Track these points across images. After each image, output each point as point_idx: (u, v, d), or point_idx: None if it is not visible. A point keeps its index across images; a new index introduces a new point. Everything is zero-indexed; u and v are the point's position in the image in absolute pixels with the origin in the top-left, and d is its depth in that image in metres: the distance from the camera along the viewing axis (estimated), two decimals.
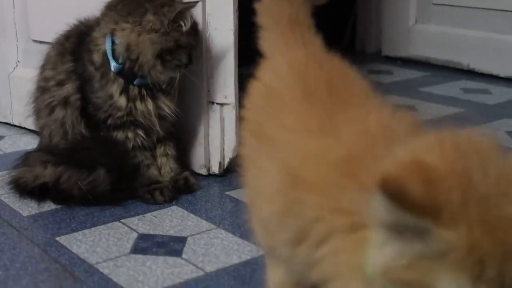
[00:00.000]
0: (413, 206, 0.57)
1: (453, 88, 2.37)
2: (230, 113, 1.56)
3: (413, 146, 0.63)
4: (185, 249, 1.25)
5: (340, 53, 0.91)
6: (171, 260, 1.21)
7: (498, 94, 2.28)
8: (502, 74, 2.43)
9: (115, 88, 1.45)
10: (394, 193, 0.57)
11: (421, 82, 2.45)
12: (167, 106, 1.48)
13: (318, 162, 0.72)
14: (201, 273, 1.16)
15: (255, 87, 0.93)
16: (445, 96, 2.26)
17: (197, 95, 1.57)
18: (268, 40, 0.98)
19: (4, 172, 1.53)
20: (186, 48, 1.43)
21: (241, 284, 1.13)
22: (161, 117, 1.48)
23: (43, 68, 1.57)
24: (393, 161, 0.61)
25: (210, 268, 1.18)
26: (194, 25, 1.46)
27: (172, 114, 1.50)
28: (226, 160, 1.59)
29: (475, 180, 0.59)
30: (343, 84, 0.84)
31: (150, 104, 1.46)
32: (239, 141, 0.93)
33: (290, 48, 0.93)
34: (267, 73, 0.93)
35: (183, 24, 1.42)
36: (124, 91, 1.45)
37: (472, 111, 2.11)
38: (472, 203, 0.58)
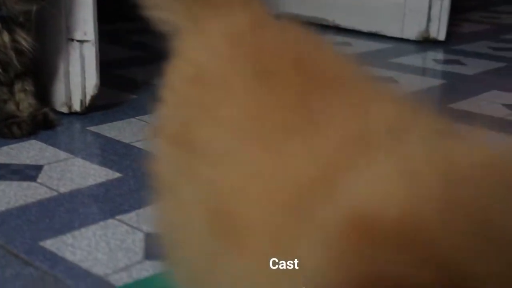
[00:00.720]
0: None
1: None
2: (90, 51, 1.55)
3: (368, 177, 0.38)
4: (40, 175, 1.24)
5: None
6: (25, 184, 1.20)
7: (359, 46, 2.40)
8: (364, 29, 2.55)
9: None
10: None
11: None
12: (24, 40, 1.46)
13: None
14: (55, 193, 1.17)
15: (177, 69, 0.63)
16: None
17: (56, 31, 1.55)
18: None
19: None
20: None
21: (94, 201, 1.14)
22: (18, 51, 1.46)
23: None
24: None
25: (64, 189, 1.18)
26: None
27: (30, 49, 1.47)
28: (88, 98, 1.58)
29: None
30: (318, 64, 0.55)
31: (6, 37, 1.43)
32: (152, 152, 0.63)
33: (227, 11, 0.62)
34: (196, 48, 0.62)
35: None
36: None
37: None
38: None
